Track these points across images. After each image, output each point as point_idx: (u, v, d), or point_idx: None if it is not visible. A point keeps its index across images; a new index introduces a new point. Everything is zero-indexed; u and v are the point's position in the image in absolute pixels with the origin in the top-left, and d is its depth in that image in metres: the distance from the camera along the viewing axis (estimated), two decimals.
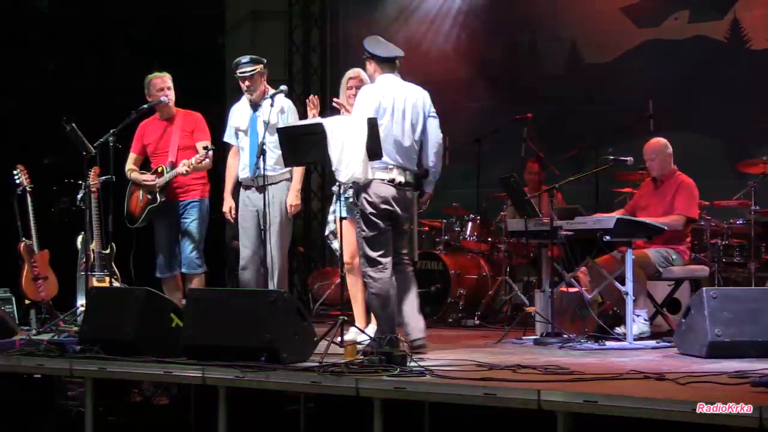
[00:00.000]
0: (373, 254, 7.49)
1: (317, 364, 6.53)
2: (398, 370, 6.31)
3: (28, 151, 10.51)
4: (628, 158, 8.86)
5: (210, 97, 8.68)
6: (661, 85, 11.58)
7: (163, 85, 8.99)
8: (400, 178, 7.54)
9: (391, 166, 7.49)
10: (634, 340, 8.14)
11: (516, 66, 12.78)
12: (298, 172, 8.36)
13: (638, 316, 8.36)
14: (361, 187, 7.47)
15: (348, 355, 6.81)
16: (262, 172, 7.86)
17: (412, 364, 6.48)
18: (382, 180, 7.49)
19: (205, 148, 8.65)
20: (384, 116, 7.50)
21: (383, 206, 7.48)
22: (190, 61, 12.21)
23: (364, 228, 7.50)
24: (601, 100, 11.92)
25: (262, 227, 8.21)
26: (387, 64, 7.73)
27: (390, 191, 7.50)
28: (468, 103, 12.92)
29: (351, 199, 7.91)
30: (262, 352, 6.61)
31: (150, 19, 13.03)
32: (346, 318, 7.43)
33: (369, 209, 7.47)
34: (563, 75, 12.53)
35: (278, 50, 14.24)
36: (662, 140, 8.95)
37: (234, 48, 13.51)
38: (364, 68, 7.91)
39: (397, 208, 7.55)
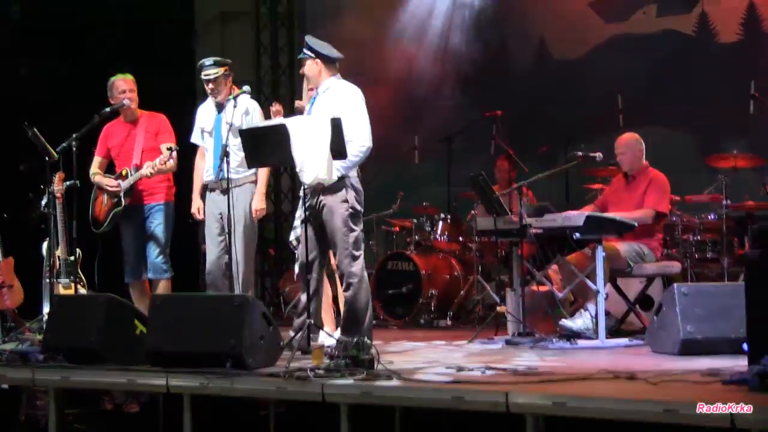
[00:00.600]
0: (358, 253, 7.44)
1: (283, 369, 6.42)
2: (365, 373, 6.21)
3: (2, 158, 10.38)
4: (596, 154, 8.79)
5: (181, 99, 8.57)
6: (631, 80, 11.54)
7: (125, 87, 8.87)
8: None
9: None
10: (578, 332, 8.10)
11: (485, 63, 12.68)
12: (262, 174, 8.25)
13: (586, 310, 8.28)
14: (349, 184, 7.42)
15: (315, 360, 6.70)
16: (225, 175, 7.72)
17: (380, 367, 6.38)
18: (356, 177, 7.48)
19: (169, 149, 8.54)
20: None
21: (361, 203, 7.46)
22: (160, 63, 12.08)
23: (354, 226, 7.43)
24: (570, 96, 11.86)
25: (226, 230, 8.12)
26: (333, 65, 7.69)
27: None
28: (437, 101, 12.83)
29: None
30: (228, 357, 6.49)
31: (121, 23, 12.90)
32: (312, 321, 7.34)
33: (357, 207, 7.46)
34: (532, 71, 12.45)
35: (247, 51, 14.15)
36: (634, 135, 8.90)
37: (204, 49, 13.36)
38: None
39: None
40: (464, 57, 12.85)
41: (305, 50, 7.67)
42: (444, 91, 12.90)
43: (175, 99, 8.99)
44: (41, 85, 11.94)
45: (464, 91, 12.78)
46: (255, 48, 14.16)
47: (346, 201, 7.44)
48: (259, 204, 8.23)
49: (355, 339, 6.67)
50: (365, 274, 7.54)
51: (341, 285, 7.64)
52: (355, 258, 7.43)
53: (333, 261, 7.82)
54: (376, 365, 6.41)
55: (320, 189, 7.40)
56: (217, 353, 6.52)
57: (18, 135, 8.93)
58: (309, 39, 7.72)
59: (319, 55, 7.62)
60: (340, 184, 7.41)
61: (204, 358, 6.54)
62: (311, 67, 7.66)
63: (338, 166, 7.31)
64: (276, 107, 8.22)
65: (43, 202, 9.02)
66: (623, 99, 10.53)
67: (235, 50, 13.94)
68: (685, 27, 11.55)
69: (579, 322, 8.21)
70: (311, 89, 8.01)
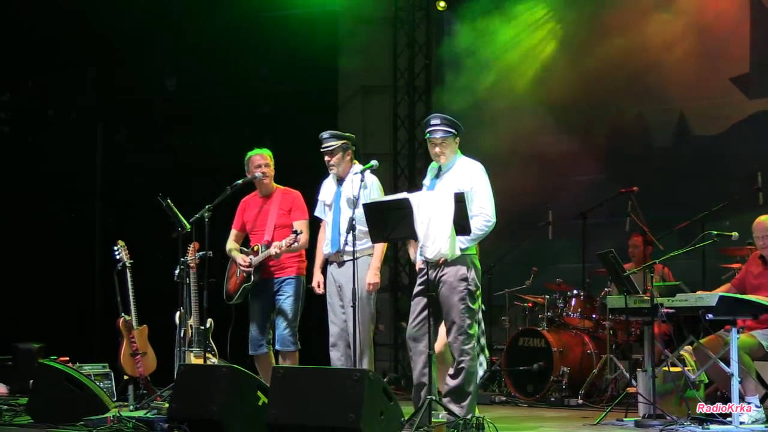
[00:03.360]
0: (474, 332, 7.39)
1: None
2: None
3: (154, 227, 10.67)
4: (732, 234, 8.58)
5: (322, 173, 8.71)
6: None
7: (261, 161, 9.00)
8: None
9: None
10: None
11: (623, 138, 12.52)
12: (378, 249, 8.26)
13: (749, 403, 8.03)
14: (469, 262, 7.41)
15: None
16: (351, 247, 7.76)
17: None
18: (477, 255, 7.45)
19: (295, 232, 8.59)
20: None
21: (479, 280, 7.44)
22: (304, 136, 12.33)
23: (471, 305, 7.39)
24: (709, 172, 11.61)
25: (340, 303, 8.12)
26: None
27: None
28: (574, 177, 12.70)
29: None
30: None
31: (270, 97, 13.23)
32: (434, 398, 7.27)
33: (478, 284, 7.43)
34: (671, 147, 12.25)
35: (386, 125, 14.27)
36: None
37: (345, 122, 13.56)
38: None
39: None
40: (602, 132, 12.71)
41: (446, 128, 7.63)
42: (581, 166, 12.76)
43: (317, 172, 9.09)
44: (191, 155, 12.25)
45: (601, 167, 12.63)
46: (392, 121, 14.26)
47: (465, 279, 7.41)
48: (373, 278, 8.23)
49: (476, 417, 6.61)
50: (476, 353, 7.48)
51: (453, 362, 7.56)
52: (470, 336, 7.37)
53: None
54: None
55: (441, 263, 7.38)
56: (336, 427, 6.53)
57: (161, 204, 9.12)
58: (444, 115, 7.72)
59: (461, 131, 7.64)
60: (461, 260, 7.39)
61: (323, 431, 6.53)
62: (452, 144, 7.65)
63: (462, 240, 7.29)
64: None
65: (177, 272, 9.18)
66: (763, 176, 10.25)
67: (374, 124, 14.15)
68: None
69: (745, 417, 7.94)
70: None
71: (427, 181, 7.80)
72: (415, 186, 12.96)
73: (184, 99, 12.90)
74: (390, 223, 7.27)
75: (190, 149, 12.50)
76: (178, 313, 9.43)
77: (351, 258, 7.95)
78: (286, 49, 12.85)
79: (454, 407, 7.33)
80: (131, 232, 10.58)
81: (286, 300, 8.82)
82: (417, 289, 7.67)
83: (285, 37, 12.84)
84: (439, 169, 7.71)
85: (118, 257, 9.95)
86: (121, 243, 10.01)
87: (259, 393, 7.19)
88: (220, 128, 12.66)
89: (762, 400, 8.34)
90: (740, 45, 11.83)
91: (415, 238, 7.28)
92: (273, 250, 8.63)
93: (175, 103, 12.97)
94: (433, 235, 7.15)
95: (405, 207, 7.15)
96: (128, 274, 9.89)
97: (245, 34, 12.67)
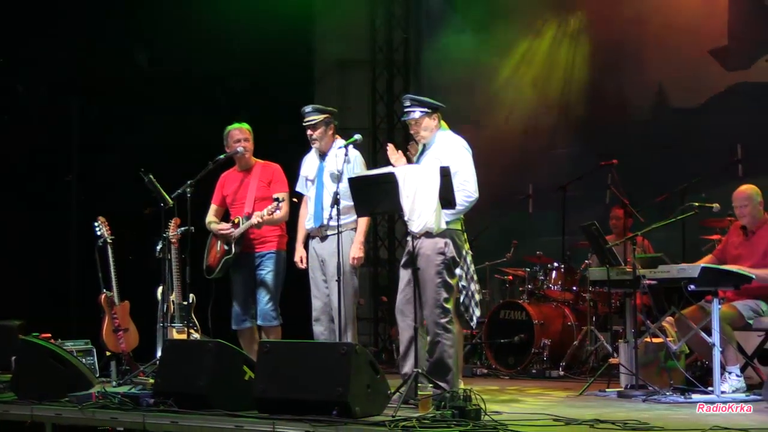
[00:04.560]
0: (450, 306, 7.41)
1: (390, 418, 6.39)
2: (471, 425, 6.15)
3: (130, 202, 10.63)
4: (714, 205, 8.63)
5: (299, 147, 8.69)
6: (751, 129, 11.26)
7: (240, 136, 8.97)
8: None
9: (462, 218, 7.45)
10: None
11: (602, 111, 12.55)
12: (362, 223, 8.25)
13: (730, 373, 8.09)
14: (447, 236, 7.40)
15: (422, 410, 6.66)
16: (335, 222, 7.76)
17: (486, 418, 6.31)
18: (461, 230, 7.48)
19: (276, 199, 8.59)
20: None
21: (461, 256, 7.43)
22: (281, 110, 12.28)
23: (448, 279, 7.40)
24: (688, 144, 11.65)
25: (323, 278, 8.15)
26: (440, 116, 7.68)
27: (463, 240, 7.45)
28: (553, 150, 12.73)
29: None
30: (334, 405, 6.49)
31: (244, 72, 13.16)
32: (421, 371, 7.30)
33: (457, 259, 7.45)
34: (649, 119, 12.28)
35: (363, 99, 14.27)
36: (753, 187, 8.67)
37: (322, 97, 13.54)
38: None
39: None
40: (580, 105, 12.73)
41: (417, 108, 7.68)
42: (560, 139, 12.80)
43: (294, 146, 9.08)
44: (166, 131, 12.19)
45: (580, 140, 12.66)
46: (371, 96, 14.24)
47: (443, 253, 7.43)
48: (357, 252, 8.22)
49: (464, 389, 6.63)
50: (454, 327, 7.50)
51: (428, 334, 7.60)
52: (445, 310, 7.40)
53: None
54: (482, 416, 6.34)
55: (420, 236, 7.39)
56: (323, 401, 6.52)
57: (143, 180, 9.09)
58: (414, 96, 7.77)
59: (435, 107, 7.65)
60: (439, 233, 7.41)
61: (310, 405, 6.54)
62: (429, 123, 7.68)
63: (444, 213, 7.30)
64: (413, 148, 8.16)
65: (158, 248, 9.16)
66: (743, 148, 10.29)
67: (352, 98, 14.15)
68: None
69: (726, 386, 8.00)
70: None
71: (414, 158, 7.84)
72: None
73: (157, 75, 12.81)
74: (375, 197, 7.27)
75: (165, 125, 12.41)
76: (160, 289, 9.42)
77: (334, 232, 7.94)
78: (262, 22, 12.77)
79: (438, 381, 7.36)
80: (108, 207, 10.50)
81: (267, 275, 8.82)
82: (403, 260, 7.70)
83: (260, 10, 12.75)
84: (424, 146, 7.73)
85: (99, 233, 9.91)
86: (102, 219, 9.96)
87: (245, 368, 7.18)
88: (195, 104, 12.58)
89: (742, 370, 8.40)
90: (718, 17, 11.85)
91: (400, 211, 7.28)
92: (255, 220, 8.62)
93: (148, 79, 12.86)
94: (419, 208, 7.17)
95: (390, 181, 7.15)
96: (109, 250, 9.85)
97: (220, 7, 12.58)
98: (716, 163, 10.43)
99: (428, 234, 7.38)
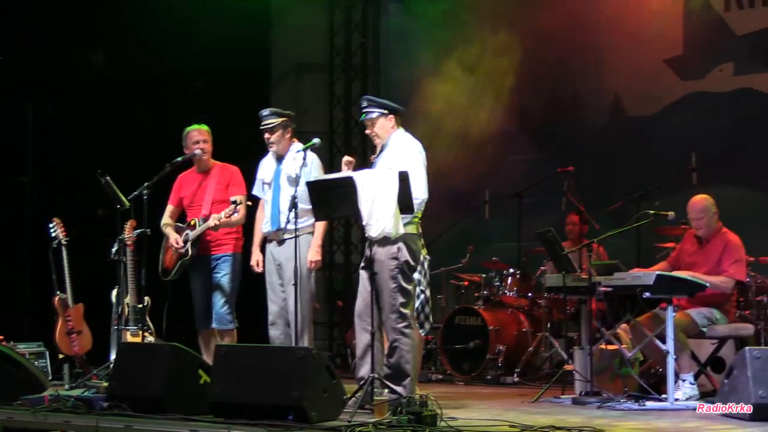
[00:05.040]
0: (408, 311, 7.42)
1: (345, 423, 6.38)
2: (427, 430, 6.15)
3: (85, 204, 10.54)
4: (668, 213, 8.69)
5: (256, 150, 8.68)
6: (705, 138, 11.37)
7: (199, 137, 8.94)
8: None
9: (418, 221, 7.45)
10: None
11: (558, 118, 12.62)
12: (320, 227, 8.24)
13: (684, 380, 8.15)
14: (401, 241, 7.38)
15: (378, 415, 6.66)
16: (293, 225, 7.74)
17: (442, 424, 6.32)
18: (418, 234, 7.46)
19: (234, 202, 8.55)
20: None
21: (417, 260, 7.43)
22: (237, 113, 12.24)
23: (404, 284, 7.40)
24: (643, 153, 11.74)
25: (279, 281, 8.15)
26: (400, 117, 7.72)
27: (419, 245, 7.51)
28: (510, 156, 12.77)
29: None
30: (290, 410, 6.47)
31: (200, 74, 13.10)
32: (377, 375, 7.29)
33: (412, 263, 7.42)
34: (605, 127, 12.35)
35: (321, 103, 14.24)
36: (707, 198, 8.73)
37: (278, 100, 13.51)
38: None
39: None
40: (538, 112, 12.79)
41: (374, 109, 7.69)
42: (517, 146, 12.84)
43: (251, 149, 9.05)
44: (122, 131, 12.12)
45: (537, 147, 12.72)
46: (328, 100, 14.22)
47: (396, 258, 7.43)
48: (315, 256, 8.20)
49: (419, 395, 6.64)
50: (412, 332, 7.49)
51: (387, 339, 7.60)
52: (402, 315, 7.40)
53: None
54: (438, 422, 6.35)
55: (375, 242, 7.41)
56: (279, 405, 6.50)
57: (98, 181, 9.03)
58: (372, 97, 7.81)
59: (392, 109, 7.66)
60: (390, 240, 7.40)
61: (266, 410, 6.52)
62: (385, 123, 7.68)
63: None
64: (348, 158, 8.19)
65: (114, 250, 9.10)
66: (697, 157, 10.38)
67: (309, 102, 14.12)
68: (762, 86, 11.37)
69: (679, 394, 8.06)
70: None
71: (373, 159, 7.85)
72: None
73: (113, 75, 12.73)
74: (334, 201, 7.27)
75: (120, 126, 12.34)
76: (114, 291, 9.36)
77: (291, 236, 7.92)
78: (219, 24, 12.72)
79: (395, 386, 7.35)
80: (62, 208, 10.42)
81: (223, 278, 8.79)
82: (361, 265, 7.71)
83: (218, 12, 12.70)
84: (382, 148, 7.74)
85: (53, 235, 9.82)
86: (57, 220, 9.87)
87: (200, 371, 7.15)
88: (151, 104, 12.51)
89: (696, 377, 8.47)
90: (674, 27, 11.95)
91: (359, 216, 7.28)
92: (212, 222, 8.58)
93: (103, 79, 12.78)
94: (377, 213, 7.16)
95: (349, 185, 7.14)
96: (64, 252, 9.77)
97: (177, 8, 12.52)
98: (671, 172, 10.50)
99: (384, 239, 7.38)
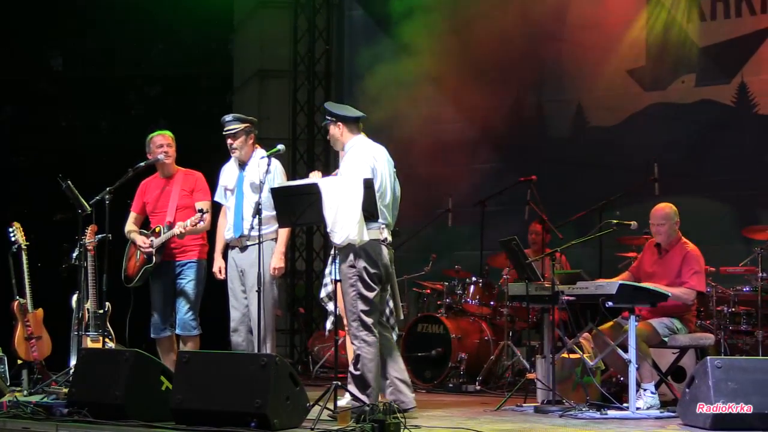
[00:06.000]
0: (369, 319, 7.40)
1: (308, 430, 6.36)
2: None
3: (41, 208, 10.46)
4: (631, 223, 8.72)
5: (218, 156, 8.66)
6: (667, 148, 11.47)
7: (163, 142, 8.88)
8: (389, 238, 7.57)
9: (383, 226, 7.42)
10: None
11: (522, 128, 12.65)
12: (283, 234, 8.22)
13: (645, 389, 8.18)
14: (358, 249, 7.37)
15: (341, 422, 6.64)
16: (256, 232, 7.71)
17: None
18: (378, 240, 7.43)
19: (200, 210, 8.50)
20: (378, 178, 7.47)
21: (382, 268, 7.40)
22: (199, 119, 12.21)
23: (363, 291, 7.39)
24: (606, 163, 11.80)
25: (242, 288, 8.12)
26: (354, 125, 7.72)
27: (385, 252, 7.49)
28: (473, 165, 12.80)
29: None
30: (252, 417, 6.46)
31: (162, 78, 13.06)
32: (339, 383, 7.27)
33: (371, 270, 7.38)
34: (568, 137, 12.41)
35: (284, 110, 14.22)
36: (671, 206, 8.77)
37: (241, 106, 13.49)
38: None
39: (391, 268, 7.58)
40: (501, 121, 12.81)
41: (326, 116, 7.74)
42: (480, 154, 12.87)
43: (213, 155, 9.02)
44: (81, 136, 12.06)
45: (500, 156, 12.75)
46: (291, 106, 14.20)
47: (353, 266, 7.43)
48: (278, 263, 8.19)
49: (383, 403, 6.62)
50: (376, 339, 7.47)
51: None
52: (363, 323, 7.39)
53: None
54: (401, 430, 6.34)
55: (337, 250, 7.44)
56: (242, 413, 6.49)
57: (57, 185, 8.97)
58: (327, 105, 7.86)
59: (339, 117, 7.67)
60: (348, 248, 7.40)
61: (229, 417, 6.51)
62: (333, 130, 7.72)
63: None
64: (316, 173, 8.17)
65: (75, 255, 9.03)
66: (659, 167, 10.44)
67: (272, 108, 14.09)
68: (723, 97, 11.48)
69: (641, 403, 8.08)
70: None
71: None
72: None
73: (72, 79, 12.66)
74: (298, 208, 7.25)
75: (79, 130, 12.28)
76: (75, 297, 9.28)
77: (254, 243, 7.89)
78: (181, 29, 12.69)
79: (359, 394, 7.34)
80: (21, 213, 10.34)
81: (188, 284, 8.74)
82: (329, 273, 7.75)
83: (180, 17, 12.66)
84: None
85: (13, 239, 9.72)
86: (16, 225, 9.77)
87: (162, 378, 7.12)
88: (110, 108, 12.46)
89: (657, 386, 8.50)
90: (636, 38, 12.03)
91: (323, 223, 7.27)
92: (177, 230, 8.52)
93: (62, 83, 12.72)
94: (342, 221, 7.15)
95: (314, 192, 7.13)
96: (23, 257, 9.67)
97: (137, 12, 12.46)
98: (633, 181, 10.56)
99: (346, 247, 7.37)
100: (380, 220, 7.46)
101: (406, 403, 7.50)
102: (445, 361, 10.71)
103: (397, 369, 7.67)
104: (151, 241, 8.70)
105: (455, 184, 12.42)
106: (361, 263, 7.41)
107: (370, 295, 7.44)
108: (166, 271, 8.77)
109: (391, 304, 7.83)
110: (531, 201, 10.75)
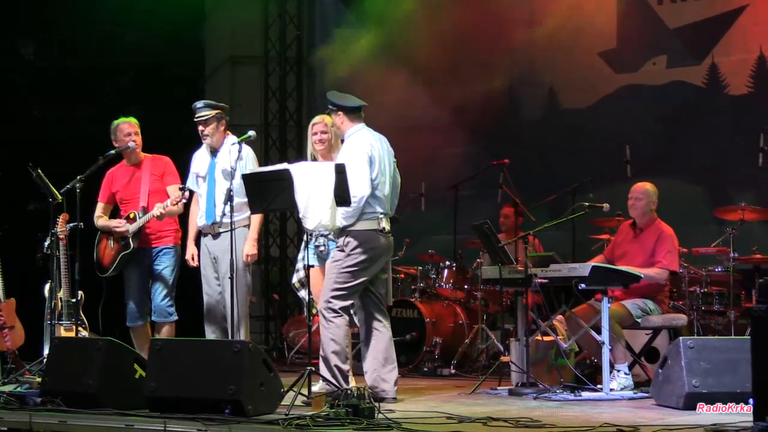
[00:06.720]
0: (340, 303, 7.41)
1: (283, 416, 6.35)
2: (365, 423, 6.14)
3: (14, 198, 10.38)
4: (603, 205, 8.73)
5: (189, 143, 8.63)
6: (639, 130, 11.49)
7: (130, 129, 8.84)
8: (387, 226, 7.57)
9: (381, 216, 7.43)
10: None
11: (494, 111, 12.64)
12: (255, 220, 8.20)
13: (618, 370, 8.22)
14: (355, 234, 7.39)
15: (315, 407, 6.64)
16: (228, 219, 7.69)
17: (380, 416, 6.31)
18: (375, 230, 7.43)
19: (181, 188, 8.47)
20: (376, 167, 7.49)
21: (373, 258, 7.43)
22: (170, 106, 12.14)
23: (343, 275, 7.40)
24: (578, 145, 11.81)
25: (215, 275, 8.10)
26: (355, 114, 7.71)
27: (382, 241, 7.54)
28: (446, 149, 12.79)
29: (321, 248, 7.89)
30: (227, 404, 6.44)
31: (133, 66, 12.98)
32: (314, 369, 7.27)
33: (359, 258, 7.39)
34: (541, 120, 12.41)
35: (255, 96, 14.17)
36: (653, 186, 8.79)
37: (213, 93, 13.44)
38: None
39: (384, 257, 7.63)
40: (473, 104, 12.80)
41: (329, 106, 7.74)
42: (452, 139, 12.86)
43: (184, 142, 8.98)
44: (53, 125, 11.98)
45: (472, 140, 12.73)
46: (263, 93, 14.15)
47: (342, 250, 7.47)
48: (250, 249, 8.17)
49: (357, 387, 6.63)
50: (345, 322, 7.49)
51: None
52: (332, 304, 7.43)
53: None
54: (376, 414, 6.34)
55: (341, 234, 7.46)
56: (216, 399, 6.48)
57: (29, 174, 8.91)
58: (329, 95, 7.84)
59: (339, 107, 7.65)
60: (344, 232, 7.46)
61: (203, 404, 6.49)
62: (334, 119, 7.73)
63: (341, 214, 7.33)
64: None
65: (46, 244, 8.98)
66: (631, 149, 10.47)
67: (244, 95, 14.05)
68: (695, 79, 11.50)
69: (614, 384, 8.11)
70: (314, 134, 8.05)
71: None
72: (286, 158, 12.93)
73: (42, 67, 12.57)
74: (270, 194, 7.22)
75: (50, 119, 12.20)
76: (47, 286, 9.23)
77: (227, 230, 7.87)
78: (152, 15, 12.62)
79: (330, 378, 7.35)
80: None
81: (164, 270, 8.72)
82: (302, 259, 7.76)
83: (150, 3, 12.59)
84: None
85: None
86: None
87: (136, 366, 7.10)
88: (81, 97, 12.38)
89: (630, 367, 8.53)
90: (607, 20, 12.02)
91: (295, 209, 7.26)
92: (157, 211, 8.46)
93: (33, 73, 12.63)
94: (314, 206, 7.15)
95: (285, 178, 7.12)
96: None
97: (107, 0, 12.39)
98: (606, 164, 10.59)
99: (342, 230, 7.44)
100: (378, 210, 7.49)
101: (387, 392, 7.49)
102: (419, 345, 10.72)
103: (389, 360, 7.65)
104: (127, 227, 8.66)
105: (428, 168, 12.42)
106: (351, 249, 7.43)
107: (349, 281, 7.44)
108: (141, 258, 8.74)
109: (382, 290, 7.84)
110: (503, 184, 10.77)
